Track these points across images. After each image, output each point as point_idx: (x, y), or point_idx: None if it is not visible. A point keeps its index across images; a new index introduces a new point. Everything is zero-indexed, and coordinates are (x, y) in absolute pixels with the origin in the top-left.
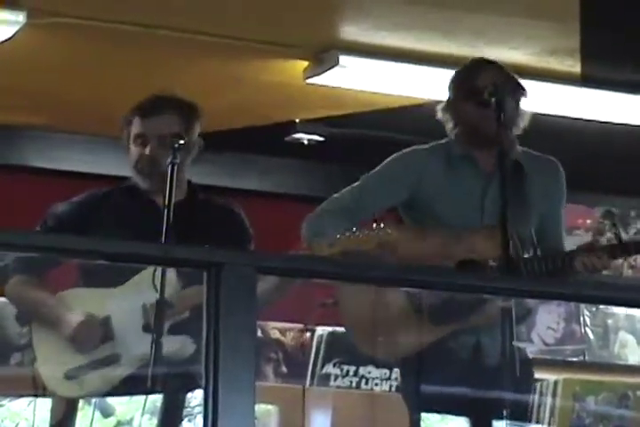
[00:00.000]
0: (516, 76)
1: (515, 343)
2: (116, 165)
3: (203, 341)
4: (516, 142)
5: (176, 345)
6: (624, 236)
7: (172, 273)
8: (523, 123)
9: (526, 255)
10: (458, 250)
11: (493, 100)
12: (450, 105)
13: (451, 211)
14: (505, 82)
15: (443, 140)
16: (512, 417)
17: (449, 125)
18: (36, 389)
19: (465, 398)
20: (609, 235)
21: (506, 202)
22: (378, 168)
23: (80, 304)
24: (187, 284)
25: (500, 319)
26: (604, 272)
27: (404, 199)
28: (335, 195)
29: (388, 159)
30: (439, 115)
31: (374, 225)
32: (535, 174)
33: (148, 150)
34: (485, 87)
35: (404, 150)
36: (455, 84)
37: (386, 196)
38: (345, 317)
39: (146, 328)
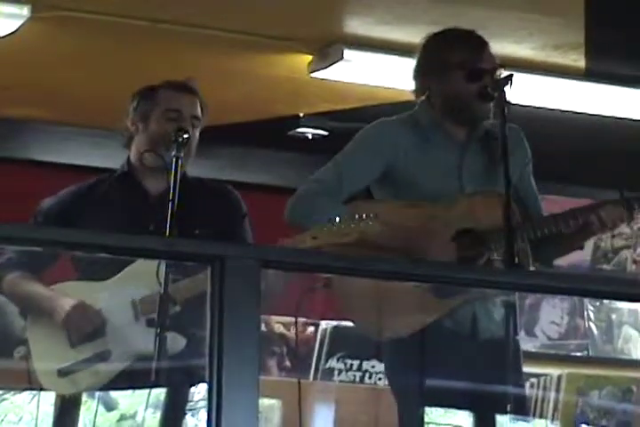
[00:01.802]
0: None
1: (518, 338)
2: (120, 158)
3: (206, 334)
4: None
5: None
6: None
7: (163, 266)
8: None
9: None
10: (449, 218)
11: (497, 93)
12: (435, 73)
13: (428, 181)
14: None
15: (408, 113)
16: (513, 411)
17: (420, 90)
18: (32, 385)
19: (467, 390)
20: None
21: (509, 183)
22: (350, 144)
23: (73, 297)
24: (179, 276)
25: (500, 304)
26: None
27: (381, 173)
28: (313, 176)
29: (359, 134)
30: (412, 75)
31: (356, 216)
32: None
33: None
34: (489, 71)
35: (372, 124)
36: (449, 55)
37: (365, 172)
38: (341, 297)
39: (150, 322)
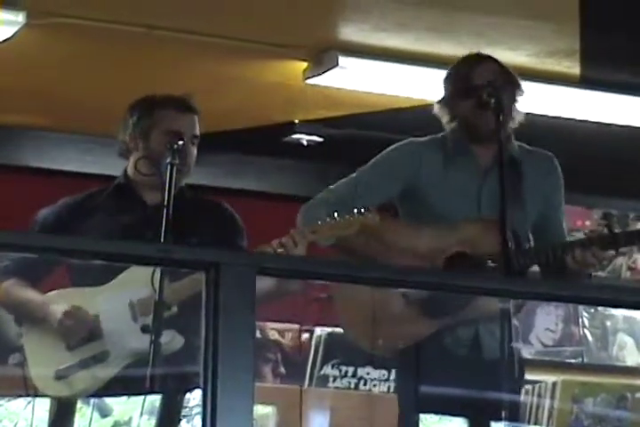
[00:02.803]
0: (510, 71)
1: (513, 344)
2: (116, 165)
3: (202, 341)
4: (513, 137)
5: (165, 339)
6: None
7: (159, 268)
8: (519, 117)
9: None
10: (449, 240)
11: (492, 100)
12: (446, 101)
13: (446, 204)
14: (500, 77)
15: (439, 135)
16: (509, 418)
17: (445, 119)
18: (27, 390)
19: (463, 398)
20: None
21: (504, 199)
22: (374, 160)
23: (67, 303)
24: (174, 278)
25: (499, 319)
26: (599, 269)
27: (400, 192)
28: (331, 186)
29: (385, 151)
30: (435, 109)
31: (355, 210)
32: (531, 169)
33: (184, 147)
34: (482, 86)
35: (401, 142)
36: (451, 80)
37: (381, 189)
38: (340, 311)
39: (144, 329)
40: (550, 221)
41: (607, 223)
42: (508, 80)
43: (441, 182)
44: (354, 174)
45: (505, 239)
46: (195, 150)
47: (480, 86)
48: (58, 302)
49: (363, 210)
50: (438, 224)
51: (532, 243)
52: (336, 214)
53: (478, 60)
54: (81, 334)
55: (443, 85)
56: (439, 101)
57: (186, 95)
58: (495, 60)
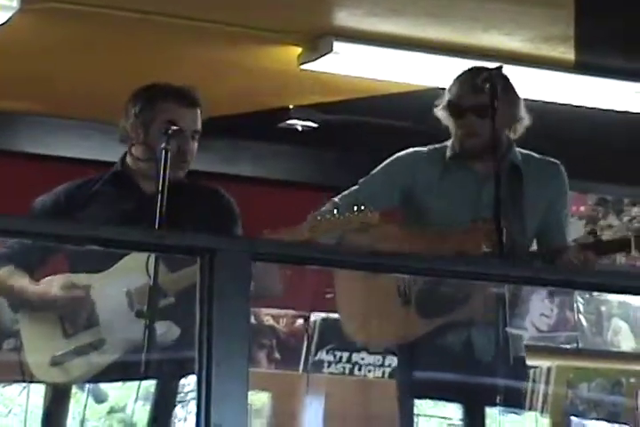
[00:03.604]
0: (511, 91)
1: (508, 329)
2: (113, 150)
3: (196, 327)
4: (514, 146)
5: (161, 330)
6: (616, 223)
7: (155, 259)
8: (521, 127)
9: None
10: (444, 243)
11: (487, 85)
12: (447, 111)
13: (444, 213)
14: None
15: (442, 144)
16: (505, 404)
17: (448, 126)
18: (24, 376)
19: (457, 384)
20: (602, 222)
21: (499, 199)
22: (375, 170)
23: (64, 289)
24: (173, 268)
25: (495, 309)
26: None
27: (400, 199)
28: (335, 198)
29: (385, 161)
30: (440, 115)
31: (355, 207)
32: (534, 177)
33: (185, 144)
34: (460, 98)
35: (402, 152)
36: (449, 95)
37: (381, 197)
38: (339, 306)
39: (138, 314)
40: (551, 226)
41: (593, 231)
42: (503, 103)
43: (439, 190)
44: (356, 186)
45: (500, 239)
46: (195, 145)
47: (467, 109)
48: (56, 288)
49: (362, 208)
50: (434, 229)
51: (533, 247)
52: (335, 211)
53: (475, 79)
54: (80, 320)
55: (446, 92)
56: (444, 107)
57: (189, 87)
58: (494, 80)
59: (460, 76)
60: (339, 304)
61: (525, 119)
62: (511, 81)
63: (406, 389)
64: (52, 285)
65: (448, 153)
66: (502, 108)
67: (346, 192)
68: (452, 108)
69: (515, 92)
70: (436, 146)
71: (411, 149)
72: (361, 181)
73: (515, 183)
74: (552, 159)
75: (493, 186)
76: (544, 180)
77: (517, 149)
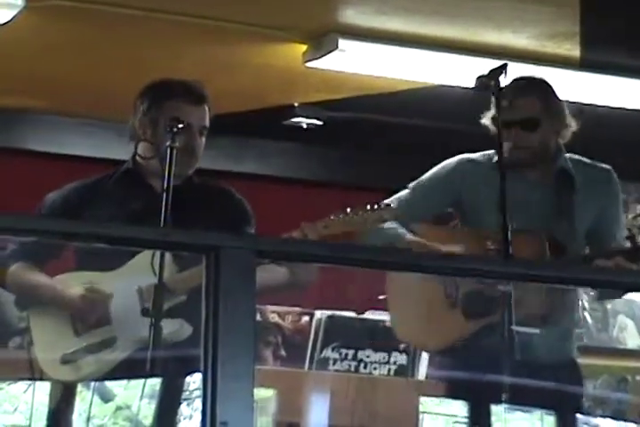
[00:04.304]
0: (555, 102)
1: (513, 328)
2: (116, 148)
3: (202, 325)
4: (563, 152)
5: (173, 328)
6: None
7: (168, 256)
8: (568, 133)
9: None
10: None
11: (492, 83)
12: (494, 122)
13: (493, 217)
14: (541, 112)
15: (492, 151)
16: (510, 401)
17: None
18: (33, 373)
19: (465, 381)
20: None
21: (504, 197)
22: (425, 175)
23: (77, 287)
24: (183, 267)
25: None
26: None
27: (451, 204)
28: (387, 200)
29: (438, 166)
30: (487, 122)
31: (368, 206)
32: (584, 183)
33: (193, 141)
34: (506, 111)
35: (453, 158)
36: (495, 105)
37: (430, 204)
38: (389, 307)
39: (144, 312)
40: (602, 233)
41: (631, 237)
42: (549, 114)
43: (489, 196)
44: (407, 189)
45: (505, 232)
46: (203, 142)
47: (511, 123)
48: (69, 286)
49: (376, 206)
50: (476, 232)
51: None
52: (348, 210)
53: (520, 92)
54: (92, 317)
55: (491, 100)
56: (490, 119)
57: (197, 83)
58: (538, 91)
59: (505, 87)
60: (389, 306)
61: (572, 125)
62: (553, 88)
63: (454, 390)
64: (71, 284)
65: (495, 160)
66: (548, 116)
67: (397, 195)
68: (498, 121)
69: (558, 99)
70: (487, 152)
71: (461, 156)
72: (411, 185)
73: (565, 189)
74: (603, 165)
75: (542, 193)
76: (595, 185)
77: (568, 155)
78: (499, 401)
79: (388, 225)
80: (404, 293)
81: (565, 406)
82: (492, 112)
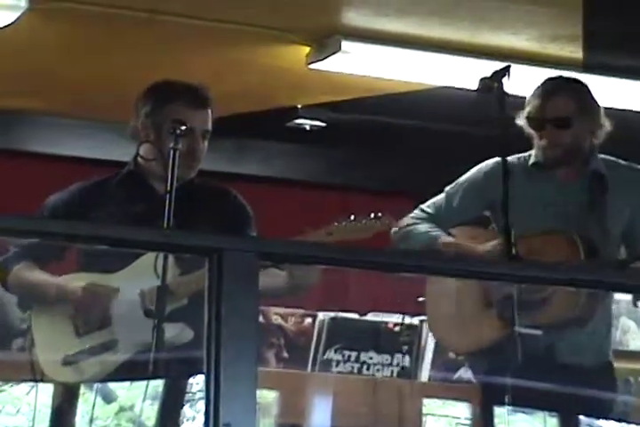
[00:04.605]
0: (587, 101)
1: (517, 329)
2: (117, 150)
3: (204, 326)
4: (597, 152)
5: (174, 331)
6: None
7: (170, 259)
8: (602, 134)
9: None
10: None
11: (496, 85)
12: (527, 122)
13: (526, 218)
14: (574, 111)
15: (526, 153)
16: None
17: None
18: (35, 374)
19: (540, 391)
20: None
21: (507, 196)
22: (461, 179)
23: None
24: (185, 270)
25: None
26: None
27: (487, 209)
28: (423, 205)
29: (472, 170)
30: (522, 123)
31: (372, 214)
32: (619, 184)
33: (195, 144)
34: (539, 110)
35: (487, 162)
36: (528, 106)
37: (465, 210)
38: (427, 308)
39: (147, 314)
40: (636, 234)
41: None
42: (583, 113)
43: (524, 198)
44: (443, 194)
45: (507, 228)
46: (205, 145)
47: (547, 121)
48: (72, 282)
49: (379, 215)
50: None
51: (621, 254)
52: (352, 217)
53: (554, 91)
54: (94, 314)
55: (526, 103)
56: (524, 119)
57: (201, 86)
58: (572, 90)
59: (538, 87)
60: (427, 309)
61: (606, 125)
62: (589, 88)
63: (489, 394)
64: (75, 287)
65: (531, 162)
66: (581, 115)
67: (433, 200)
68: (531, 120)
69: (593, 100)
70: (520, 155)
71: (497, 158)
72: (447, 189)
73: (597, 190)
74: (638, 166)
75: (574, 194)
76: (630, 186)
77: (602, 156)
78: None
79: (424, 227)
80: (442, 295)
81: (598, 410)
82: (525, 112)
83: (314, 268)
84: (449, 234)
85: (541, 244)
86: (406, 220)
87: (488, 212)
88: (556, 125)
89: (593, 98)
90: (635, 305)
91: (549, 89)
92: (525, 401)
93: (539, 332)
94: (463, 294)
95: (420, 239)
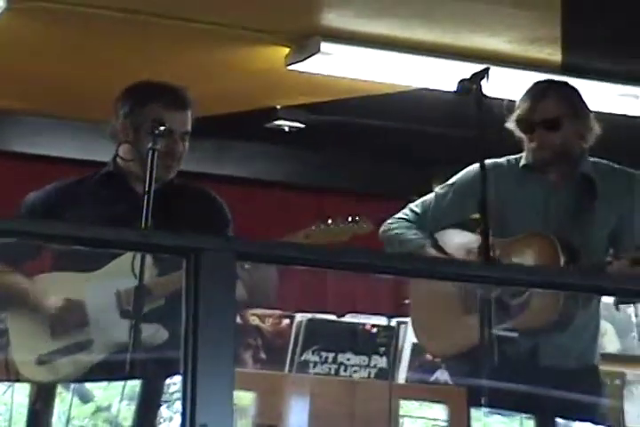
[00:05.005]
0: (576, 102)
1: (495, 331)
2: (99, 150)
3: (182, 327)
4: (586, 156)
5: (149, 332)
6: None
7: (148, 260)
8: (592, 137)
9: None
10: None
11: (474, 87)
12: (516, 124)
13: (515, 221)
14: (563, 113)
15: (516, 155)
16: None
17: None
18: (10, 374)
19: (522, 394)
20: None
21: (485, 200)
22: (449, 181)
23: (56, 288)
24: (163, 270)
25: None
26: None
27: (475, 210)
28: (412, 204)
29: (461, 172)
30: (511, 126)
31: (349, 218)
32: (608, 187)
33: (174, 145)
34: (529, 113)
35: (475, 165)
36: (518, 108)
37: (453, 210)
38: (411, 312)
39: (124, 314)
40: (623, 238)
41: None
42: (572, 115)
43: (513, 200)
44: (432, 194)
45: (486, 232)
46: (185, 147)
47: (537, 124)
48: (47, 289)
49: (357, 218)
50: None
51: (607, 257)
52: (330, 220)
53: (544, 94)
54: (71, 325)
55: (516, 106)
56: (514, 121)
57: (180, 87)
58: (562, 93)
59: (528, 90)
60: (411, 314)
61: (596, 129)
62: (579, 92)
63: (471, 398)
64: (49, 288)
65: (521, 164)
66: (570, 118)
67: (422, 200)
68: (521, 123)
69: (583, 103)
70: (512, 157)
71: (487, 160)
72: (437, 189)
73: (586, 193)
74: (629, 169)
75: (562, 196)
76: (619, 190)
77: (593, 160)
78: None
79: (409, 233)
80: (424, 298)
81: (582, 413)
82: (515, 115)
83: (270, 273)
84: (436, 241)
85: (522, 247)
86: (394, 220)
87: (478, 215)
88: (545, 128)
89: (583, 101)
90: (616, 308)
91: (539, 92)
92: (503, 404)
93: (515, 334)
94: (443, 298)
95: (405, 247)
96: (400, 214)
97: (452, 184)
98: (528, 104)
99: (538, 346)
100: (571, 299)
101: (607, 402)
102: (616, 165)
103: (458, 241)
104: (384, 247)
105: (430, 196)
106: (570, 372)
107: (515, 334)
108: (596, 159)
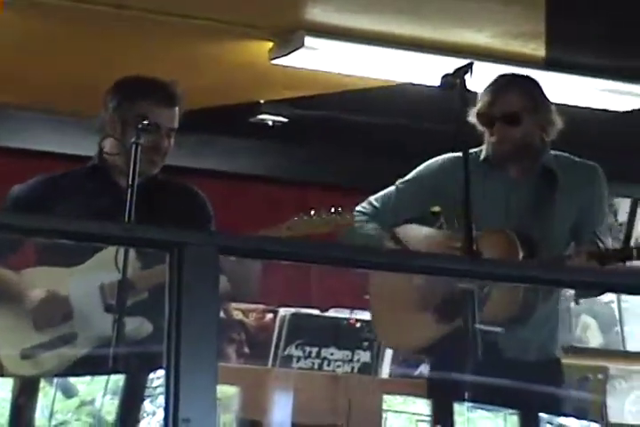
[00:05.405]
0: (537, 97)
1: (477, 326)
2: (85, 145)
3: (165, 321)
4: (548, 149)
5: (134, 325)
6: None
7: (132, 253)
8: (554, 130)
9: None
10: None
11: (458, 81)
12: (477, 118)
13: (478, 217)
14: (524, 108)
15: (475, 149)
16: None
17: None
18: None
19: (484, 387)
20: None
21: (468, 191)
22: (410, 174)
23: (40, 282)
24: (147, 263)
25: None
26: None
27: (435, 203)
28: (372, 197)
29: (422, 165)
30: (472, 119)
31: (332, 209)
32: (569, 180)
33: (160, 141)
34: (489, 107)
35: (438, 157)
36: (479, 103)
37: (414, 203)
38: (370, 305)
39: (108, 309)
40: (583, 231)
41: (597, 240)
42: (532, 109)
43: (473, 194)
44: (393, 187)
45: (469, 226)
46: (171, 143)
47: (496, 118)
48: (32, 281)
49: (340, 209)
50: (450, 235)
51: (568, 250)
52: (312, 212)
53: (504, 87)
54: (55, 319)
55: (477, 100)
56: (474, 115)
57: (170, 83)
58: (522, 87)
59: (489, 84)
60: (371, 307)
61: (558, 122)
62: (541, 85)
63: (436, 391)
64: (33, 282)
65: (482, 157)
66: (530, 112)
67: (382, 192)
68: (481, 117)
69: (544, 96)
70: (472, 151)
71: (447, 154)
72: (398, 182)
73: (546, 187)
74: (590, 162)
75: (523, 190)
76: (580, 183)
77: (554, 153)
78: (472, 400)
79: (368, 227)
80: (384, 293)
81: (546, 405)
82: (476, 109)
83: (252, 264)
84: (394, 234)
85: (482, 245)
86: (354, 214)
87: (438, 208)
88: (505, 121)
89: (543, 94)
90: (576, 302)
91: (499, 85)
92: (474, 397)
93: (498, 329)
94: (405, 292)
95: (363, 241)
96: (359, 207)
97: (414, 177)
98: (488, 98)
99: (497, 339)
100: (530, 292)
101: (588, 396)
102: (577, 158)
103: (417, 234)
104: (341, 240)
105: (391, 189)
106: (531, 364)
107: (498, 329)
108: (558, 152)
